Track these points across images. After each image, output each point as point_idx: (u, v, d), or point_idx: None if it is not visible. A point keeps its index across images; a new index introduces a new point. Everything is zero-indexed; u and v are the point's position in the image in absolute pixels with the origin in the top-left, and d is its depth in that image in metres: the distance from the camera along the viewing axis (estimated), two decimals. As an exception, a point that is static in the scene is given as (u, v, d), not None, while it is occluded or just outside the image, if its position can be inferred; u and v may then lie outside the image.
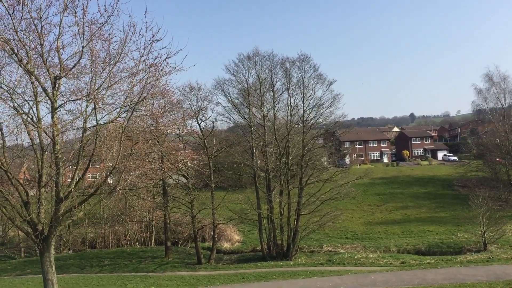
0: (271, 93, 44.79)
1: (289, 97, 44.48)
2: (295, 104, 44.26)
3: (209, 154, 41.61)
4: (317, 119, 44.14)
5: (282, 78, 44.34)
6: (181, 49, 18.70)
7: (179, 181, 44.20)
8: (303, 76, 43.46)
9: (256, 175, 44.68)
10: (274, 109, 44.91)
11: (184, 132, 43.32)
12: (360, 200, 64.29)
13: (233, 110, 46.26)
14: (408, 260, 36.69)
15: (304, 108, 43.83)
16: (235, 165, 59.16)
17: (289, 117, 44.36)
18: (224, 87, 45.43)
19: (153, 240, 55.52)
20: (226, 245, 52.37)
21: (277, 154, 44.77)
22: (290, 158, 43.82)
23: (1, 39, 17.85)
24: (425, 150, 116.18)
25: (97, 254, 48.51)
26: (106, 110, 20.37)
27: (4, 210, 20.34)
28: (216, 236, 45.42)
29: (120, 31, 19.01)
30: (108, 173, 20.32)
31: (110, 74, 19.51)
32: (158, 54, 18.87)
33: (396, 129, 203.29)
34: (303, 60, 43.42)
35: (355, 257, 39.01)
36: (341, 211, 47.56)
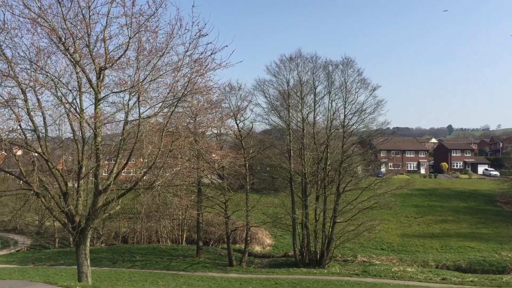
0: (312, 96, 43.92)
1: (330, 101, 43.51)
2: (336, 108, 43.22)
3: (246, 155, 40.99)
4: (358, 125, 42.93)
5: (324, 81, 43.46)
6: (226, 45, 18.12)
7: (215, 181, 43.79)
8: (346, 80, 42.42)
9: (292, 179, 43.78)
10: (314, 113, 43.96)
11: (222, 131, 42.92)
12: (397, 211, 62.33)
13: (272, 111, 45.63)
14: (449, 276, 34.99)
15: (346, 113, 42.79)
16: (268, 168, 58.44)
17: (329, 122, 43.29)
18: (264, 88, 44.91)
19: (184, 239, 55.35)
20: (257, 248, 51.63)
21: (315, 158, 43.75)
22: (328, 163, 42.74)
23: (49, 27, 17.72)
24: (465, 163, 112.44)
25: (129, 249, 48.64)
26: (149, 103, 20.01)
27: (43, 199, 20.22)
28: (248, 238, 44.72)
29: (168, 24, 18.63)
30: (148, 168, 19.93)
31: (154, 67, 19.13)
32: (204, 49, 18.34)
33: (434, 140, 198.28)
34: (346, 63, 42.40)
35: (392, 269, 37.61)
36: (377, 221, 46.02)
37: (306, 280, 33.25)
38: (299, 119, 44.40)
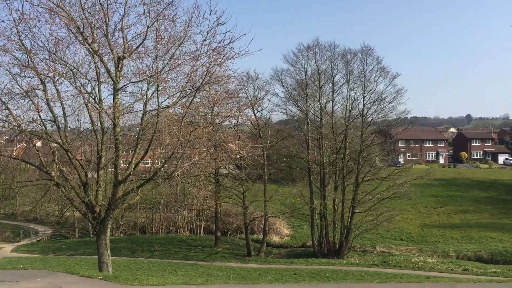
0: (330, 85, 43.35)
1: (348, 90, 42.89)
2: (355, 97, 42.63)
3: (264, 145, 40.77)
4: (378, 114, 42.28)
5: (343, 70, 42.79)
6: (245, 34, 17.88)
7: (233, 171, 43.71)
8: (364, 69, 41.75)
9: (310, 169, 43.45)
10: (332, 102, 43.42)
11: (239, 121, 42.74)
12: (416, 201, 61.55)
13: (289, 101, 45.25)
14: (470, 267, 34.43)
15: (364, 102, 42.16)
16: (285, 158, 58.18)
17: (347, 111, 42.74)
18: (282, 77, 44.47)
19: (202, 229, 55.54)
20: (275, 239, 51.50)
21: (333, 148, 43.33)
22: (347, 153, 42.29)
23: (68, 17, 17.64)
24: (485, 152, 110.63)
25: (148, 239, 48.97)
26: (167, 93, 19.91)
27: (63, 190, 20.32)
28: (266, 229, 44.63)
29: (186, 12, 18.40)
30: (167, 158, 19.85)
31: (173, 56, 18.97)
32: (222, 38, 18.09)
33: (452, 129, 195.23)
34: (365, 52, 41.69)
35: (412, 260, 37.15)
36: (397, 211, 45.45)
37: (325, 270, 33.05)
38: (317, 109, 43.94)
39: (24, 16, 17.65)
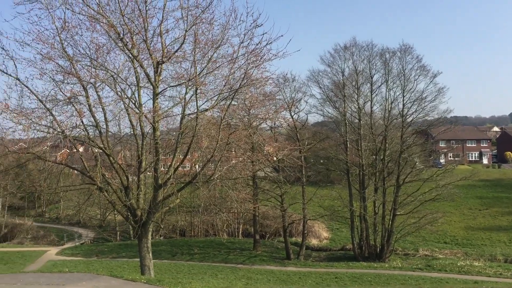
0: (368, 85, 42.60)
1: (387, 90, 42.04)
2: (394, 97, 41.70)
3: (301, 147, 40.39)
4: (418, 114, 41.21)
5: (381, 70, 42.02)
6: (282, 35, 17.66)
7: (270, 174, 43.53)
8: (404, 68, 40.82)
9: (349, 171, 42.75)
10: (371, 102, 42.61)
11: (276, 124, 42.54)
12: (460, 203, 59.62)
13: (326, 102, 44.78)
14: (521, 271, 32.96)
15: (404, 101, 41.21)
16: (322, 160, 57.56)
17: (387, 111, 41.85)
18: (319, 79, 44.10)
19: (240, 232, 55.62)
20: (314, 242, 50.96)
21: (373, 149, 42.51)
22: (387, 154, 41.39)
23: (108, 24, 17.91)
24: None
25: (187, 242, 49.36)
26: (206, 96, 19.93)
27: (106, 194, 20.63)
28: (305, 231, 44.19)
29: (223, 15, 18.37)
30: (206, 161, 19.86)
31: (210, 59, 18.97)
32: (259, 40, 17.95)
33: (496, 128, 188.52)
34: (404, 50, 40.75)
35: (458, 264, 35.87)
36: (440, 214, 44.07)
37: (367, 274, 32.36)
38: (354, 110, 43.25)
39: (66, 24, 18.00)
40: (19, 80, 17.82)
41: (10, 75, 17.49)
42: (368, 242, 41.64)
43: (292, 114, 43.32)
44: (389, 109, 41.85)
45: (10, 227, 60.56)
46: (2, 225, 60.75)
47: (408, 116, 41.45)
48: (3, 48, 17.02)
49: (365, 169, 41.93)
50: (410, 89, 40.83)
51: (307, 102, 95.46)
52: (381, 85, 42.44)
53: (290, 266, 37.47)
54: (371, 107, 42.97)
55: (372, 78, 42.17)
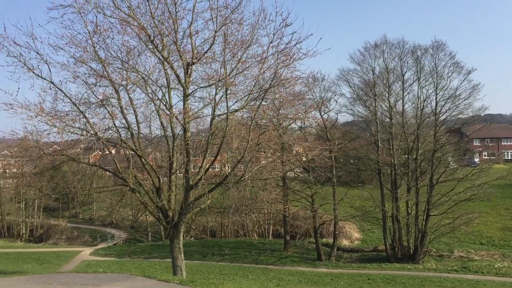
0: (400, 84, 41.76)
1: (419, 87, 41.12)
2: (427, 95, 40.77)
3: (332, 147, 39.94)
4: (452, 112, 40.20)
5: (413, 67, 41.13)
6: (311, 34, 17.48)
7: (300, 174, 43.23)
8: (436, 65, 39.87)
9: (380, 170, 42.05)
10: (403, 100, 41.76)
11: (306, 124, 42.21)
12: (496, 203, 57.76)
13: (357, 101, 44.21)
14: (562, 274, 31.72)
15: (437, 99, 40.21)
16: (352, 160, 56.89)
17: (419, 110, 40.96)
18: (349, 78, 43.57)
19: (270, 233, 55.47)
20: (345, 243, 50.37)
21: (405, 149, 41.70)
22: (420, 153, 40.52)
23: (139, 26, 18.07)
24: None
25: (217, 243, 49.51)
26: (236, 97, 19.91)
27: (138, 195, 20.82)
28: (336, 232, 43.69)
29: (253, 14, 18.28)
30: (237, 162, 19.81)
31: (240, 60, 18.90)
32: (289, 39, 17.80)
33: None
34: (437, 47, 39.79)
35: (495, 266, 34.82)
36: (476, 214, 42.83)
37: (401, 276, 31.72)
38: (385, 108, 42.49)
39: (98, 27, 18.23)
40: (53, 83, 18.17)
41: (44, 78, 17.84)
42: (401, 243, 40.84)
43: (322, 113, 42.96)
44: (422, 107, 40.95)
45: (46, 228, 62.16)
46: (38, 226, 62.38)
47: (441, 114, 40.51)
48: (37, 52, 17.37)
49: (397, 169, 41.16)
50: (443, 86, 39.89)
51: (337, 102, 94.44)
52: (413, 83, 41.62)
53: (321, 267, 37.11)
54: (403, 106, 42.15)
55: (403, 76, 41.38)
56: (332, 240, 44.08)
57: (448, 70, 39.59)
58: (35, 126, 17.55)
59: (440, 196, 39.50)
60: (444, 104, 40.10)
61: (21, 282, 14.82)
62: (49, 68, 17.87)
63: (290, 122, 34.54)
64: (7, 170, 69.82)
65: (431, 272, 33.41)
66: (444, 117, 40.68)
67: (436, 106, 40.36)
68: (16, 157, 62.92)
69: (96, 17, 17.95)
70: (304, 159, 35.29)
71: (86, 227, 64.63)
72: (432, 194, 39.27)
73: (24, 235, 60.60)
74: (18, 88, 16.29)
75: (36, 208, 64.06)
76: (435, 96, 40.28)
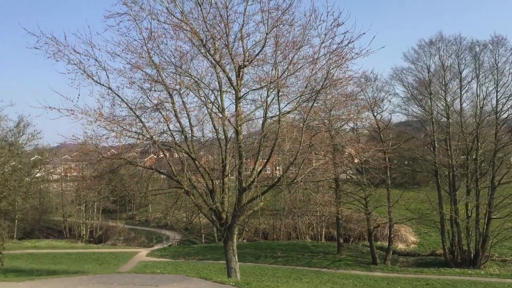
0: (457, 81, 40.18)
1: (478, 85, 39.32)
2: (487, 93, 38.96)
3: (386, 148, 39.00)
4: (515, 109, 38.23)
5: (471, 64, 39.36)
6: (364, 33, 17.13)
7: (353, 176, 42.53)
8: (496, 61, 37.99)
9: (437, 172, 40.60)
10: (460, 99, 40.14)
11: (359, 125, 41.51)
12: None
13: (411, 101, 42.98)
14: None
15: (498, 97, 38.35)
16: (406, 162, 55.35)
17: (478, 108, 39.23)
18: (402, 77, 42.42)
19: (323, 235, 54.91)
20: (401, 246, 49.00)
21: (464, 149, 40.06)
22: (479, 153, 38.79)
23: (191, 31, 18.38)
24: None
25: (270, 245, 49.49)
26: (287, 98, 19.85)
27: (192, 197, 21.14)
28: (391, 235, 42.60)
29: (303, 15, 18.18)
30: (289, 164, 19.74)
31: (291, 61, 18.81)
32: (341, 39, 17.56)
33: None
34: (497, 42, 37.93)
35: None
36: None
37: (461, 281, 30.44)
38: (442, 107, 41.02)
39: (152, 34, 18.71)
40: (111, 89, 18.83)
41: (103, 84, 18.52)
42: (461, 247, 39.23)
43: (375, 114, 42.06)
44: (481, 105, 39.18)
45: (104, 229, 64.49)
46: (97, 228, 64.81)
47: (502, 113, 38.60)
48: (96, 60, 18.05)
49: (455, 170, 39.61)
50: (505, 83, 37.97)
51: (390, 102, 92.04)
52: (471, 80, 39.86)
53: (376, 271, 36.25)
54: (461, 104, 40.47)
55: (461, 74, 39.74)
56: (387, 243, 43.04)
57: (510, 66, 37.72)
58: (94, 131, 18.25)
59: (502, 198, 37.68)
60: (506, 101, 38.24)
61: (83, 281, 15.39)
62: (107, 74, 18.55)
63: (343, 123, 34.03)
64: (68, 174, 73.07)
65: (494, 277, 31.83)
66: (505, 115, 38.76)
67: (497, 104, 38.53)
68: (77, 161, 65.85)
69: (151, 23, 18.48)
70: (356, 160, 34.70)
71: (142, 228, 66.49)
72: (493, 196, 37.51)
73: (84, 236, 63.10)
74: (79, 95, 16.94)
75: (95, 210, 66.57)
76: (495, 93, 38.46)
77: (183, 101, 20.63)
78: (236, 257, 20.85)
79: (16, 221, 57.29)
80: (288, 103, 19.99)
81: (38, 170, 30.49)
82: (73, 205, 67.05)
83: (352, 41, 17.32)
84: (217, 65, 19.65)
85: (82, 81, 17.92)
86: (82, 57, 17.82)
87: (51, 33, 17.02)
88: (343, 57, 18.27)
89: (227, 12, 18.62)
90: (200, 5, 18.09)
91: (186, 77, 20.16)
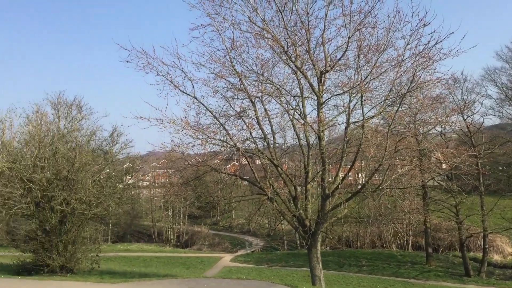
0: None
1: None
2: None
3: (478, 153, 36.62)
4: None
5: None
6: (452, 32, 16.29)
7: (443, 183, 40.41)
8: None
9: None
10: None
11: (447, 129, 39.42)
12: None
13: (505, 102, 40.16)
14: None
15: None
16: (501, 167, 51.59)
17: None
18: (495, 77, 39.80)
19: (410, 244, 52.70)
20: (496, 258, 45.76)
21: None
22: None
23: (273, 39, 18.54)
24: None
25: (354, 253, 48.38)
26: (371, 103, 19.33)
27: (275, 204, 21.20)
28: (486, 246, 39.86)
29: (387, 17, 17.64)
30: (374, 170, 19.19)
31: (375, 65, 18.32)
32: (427, 40, 16.83)
33: None
34: None
35: None
36: None
37: None
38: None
39: (235, 43, 19.13)
40: (196, 98, 19.46)
41: (189, 94, 19.20)
42: None
43: (465, 117, 39.74)
44: None
45: (190, 234, 66.76)
46: (184, 232, 67.21)
47: None
48: (182, 70, 18.77)
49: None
50: None
51: (482, 104, 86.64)
52: None
53: (470, 283, 34.13)
54: None
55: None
56: (482, 254, 40.31)
57: None
58: (180, 139, 18.93)
59: None
60: None
61: (173, 284, 15.98)
62: (192, 84, 19.22)
63: (430, 127, 32.55)
64: (156, 180, 76.62)
65: None
66: None
67: None
68: (164, 168, 68.89)
69: (233, 33, 18.88)
70: (444, 166, 32.94)
71: (226, 234, 67.95)
72: None
73: (172, 241, 65.74)
74: (167, 105, 17.70)
75: (181, 216, 69.13)
76: None
77: (265, 108, 20.80)
78: (320, 264, 20.59)
79: (110, 225, 60.90)
80: (371, 108, 19.46)
81: (130, 177, 32.24)
82: (161, 211, 70.14)
83: (440, 41, 16.58)
84: (298, 71, 19.65)
85: (169, 91, 18.71)
86: (169, 68, 18.62)
87: (141, 46, 17.99)
88: (430, 59, 17.52)
89: (308, 18, 18.59)
90: (281, 13, 18.21)
91: (268, 85, 20.33)
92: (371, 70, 18.28)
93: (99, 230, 31.66)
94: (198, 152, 21.11)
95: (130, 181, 33.05)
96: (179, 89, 18.94)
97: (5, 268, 25.84)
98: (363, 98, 18.20)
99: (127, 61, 17.98)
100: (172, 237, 66.43)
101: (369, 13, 17.76)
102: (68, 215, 23.96)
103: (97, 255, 26.49)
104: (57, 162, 24.04)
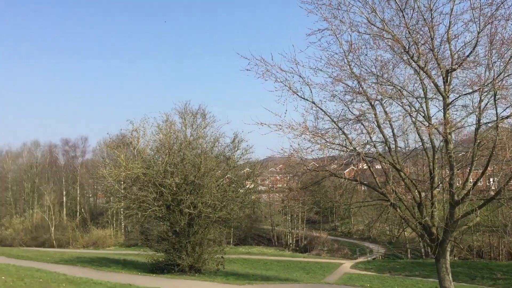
0: None
1: None
2: None
3: None
4: None
5: None
6: None
7: None
8: None
9: None
10: None
11: None
12: None
13: None
14: None
15: None
16: None
17: None
18: None
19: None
20: None
21: None
22: None
23: (393, 38, 17.89)
24: None
25: (487, 265, 44.58)
26: (506, 102, 17.65)
27: (398, 210, 20.34)
28: None
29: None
30: (511, 175, 17.48)
31: (510, 60, 16.72)
32: None
33: None
34: None
35: None
36: None
37: None
38: None
39: (353, 46, 18.78)
40: (314, 103, 19.41)
41: (306, 99, 19.23)
42: None
43: None
44: None
45: (309, 239, 66.89)
46: (302, 237, 67.54)
47: None
48: (300, 76, 18.85)
49: None
50: None
51: None
52: None
53: None
54: None
55: None
56: None
57: None
58: (299, 144, 19.01)
59: None
60: None
61: (294, 288, 16.09)
62: (310, 89, 19.21)
63: None
64: (275, 185, 78.07)
65: None
66: None
67: None
68: (284, 173, 69.97)
69: (350, 36, 18.54)
70: None
71: (344, 240, 66.91)
72: None
73: (291, 245, 66.42)
74: (286, 110, 17.90)
75: (300, 220, 69.53)
76: None
77: (385, 111, 20.07)
78: (450, 276, 19.34)
79: (232, 228, 63.34)
80: (507, 107, 17.80)
81: (250, 182, 33.30)
82: (280, 215, 71.22)
83: None
84: (422, 71, 18.66)
85: (288, 97, 18.90)
86: (287, 74, 18.80)
87: (260, 55, 18.37)
88: None
89: (431, 14, 17.61)
90: (402, 11, 17.50)
91: (388, 86, 19.61)
92: (505, 66, 16.76)
93: (223, 233, 33.06)
94: (317, 157, 21.04)
95: (251, 186, 34.12)
96: (297, 94, 19.05)
97: (141, 266, 28.15)
98: (497, 96, 16.73)
99: (247, 69, 18.55)
100: (291, 242, 67.12)
101: (502, 5, 16.35)
102: (195, 217, 25.40)
103: (222, 256, 27.68)
104: (184, 168, 25.65)
